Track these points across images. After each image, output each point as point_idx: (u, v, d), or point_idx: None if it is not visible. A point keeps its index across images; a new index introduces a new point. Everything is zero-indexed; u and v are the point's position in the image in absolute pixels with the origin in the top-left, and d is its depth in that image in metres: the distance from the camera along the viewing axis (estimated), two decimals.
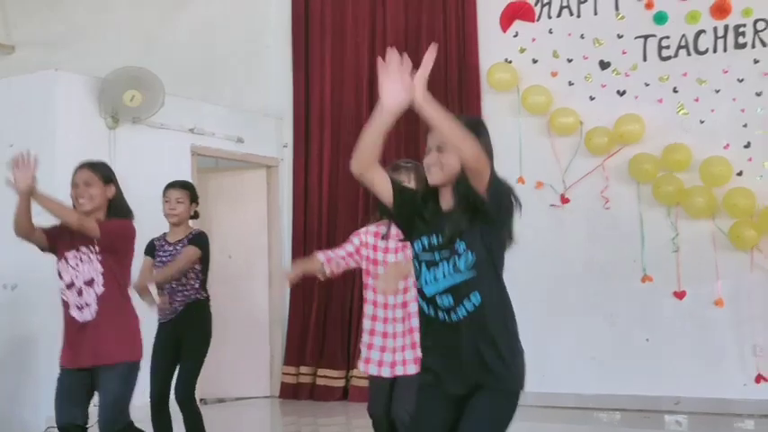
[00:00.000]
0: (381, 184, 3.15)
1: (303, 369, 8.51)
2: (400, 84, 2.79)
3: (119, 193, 4.58)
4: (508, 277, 3.06)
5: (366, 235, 4.42)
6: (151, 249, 5.41)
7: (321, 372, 8.41)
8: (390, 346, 4.24)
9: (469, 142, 2.86)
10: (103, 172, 4.56)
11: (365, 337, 4.35)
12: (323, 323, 8.52)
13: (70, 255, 4.41)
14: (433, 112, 2.81)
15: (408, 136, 7.90)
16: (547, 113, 7.67)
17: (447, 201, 3.14)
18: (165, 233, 5.46)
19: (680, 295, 7.20)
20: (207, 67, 9.01)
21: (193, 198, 5.51)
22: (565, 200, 7.67)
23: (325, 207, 8.63)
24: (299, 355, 8.57)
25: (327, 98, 8.75)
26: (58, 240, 4.45)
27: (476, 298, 3.02)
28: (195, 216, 5.58)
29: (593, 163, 7.56)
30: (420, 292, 3.14)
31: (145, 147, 7.41)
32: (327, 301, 8.53)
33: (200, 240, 5.37)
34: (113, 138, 7.18)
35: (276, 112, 9.02)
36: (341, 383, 8.32)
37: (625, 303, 7.41)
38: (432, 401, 3.15)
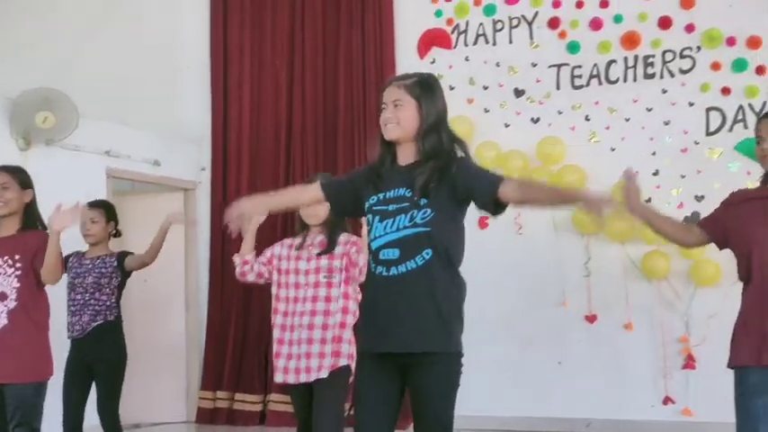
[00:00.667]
0: (313, 199, 3.35)
1: (220, 394, 8.43)
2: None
3: (34, 199, 4.56)
4: None
5: (280, 247, 4.51)
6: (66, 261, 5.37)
7: (238, 396, 8.36)
8: (296, 352, 4.26)
9: None
10: (21, 176, 4.55)
11: (274, 347, 4.38)
12: (240, 348, 8.47)
13: None
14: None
15: (327, 152, 8.02)
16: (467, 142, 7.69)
17: (406, 156, 3.18)
18: (80, 251, 5.44)
19: (591, 319, 7.34)
20: (123, 88, 8.87)
21: (110, 217, 5.49)
22: (484, 225, 7.73)
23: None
24: (215, 379, 8.49)
25: (246, 121, 8.73)
26: None
27: (427, 254, 3.06)
28: (118, 234, 5.56)
29: None
30: (369, 248, 3.18)
31: (59, 169, 7.26)
32: (245, 325, 8.48)
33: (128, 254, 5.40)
34: (26, 160, 7.02)
35: (194, 134, 8.96)
36: (258, 408, 8.27)
37: (538, 326, 7.50)
38: (372, 376, 3.15)
